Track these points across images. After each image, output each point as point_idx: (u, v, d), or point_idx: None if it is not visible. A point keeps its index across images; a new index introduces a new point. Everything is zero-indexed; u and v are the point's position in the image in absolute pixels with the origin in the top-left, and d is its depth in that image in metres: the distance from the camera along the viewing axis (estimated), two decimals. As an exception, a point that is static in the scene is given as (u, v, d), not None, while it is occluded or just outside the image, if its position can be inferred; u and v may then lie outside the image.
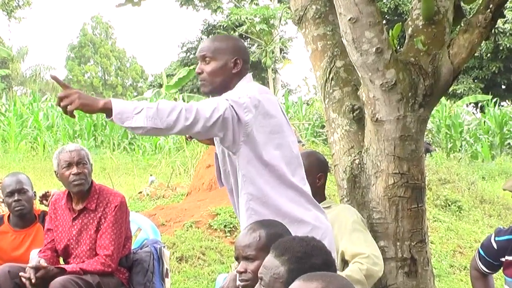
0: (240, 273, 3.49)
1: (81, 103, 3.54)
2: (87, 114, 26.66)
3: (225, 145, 3.88)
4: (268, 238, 3.42)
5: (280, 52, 42.41)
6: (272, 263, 2.96)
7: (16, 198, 5.75)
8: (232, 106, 3.72)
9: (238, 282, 3.54)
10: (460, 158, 20.84)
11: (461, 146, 26.13)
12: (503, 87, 35.88)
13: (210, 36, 4.61)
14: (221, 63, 4.03)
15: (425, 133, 6.50)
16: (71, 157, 5.31)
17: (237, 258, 3.55)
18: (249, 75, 4.11)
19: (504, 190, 4.72)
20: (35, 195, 5.99)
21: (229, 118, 3.71)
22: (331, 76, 5.50)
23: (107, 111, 3.55)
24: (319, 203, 4.31)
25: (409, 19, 5.18)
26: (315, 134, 26.12)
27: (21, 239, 5.87)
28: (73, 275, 5.08)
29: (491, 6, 4.90)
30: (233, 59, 4.04)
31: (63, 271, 5.09)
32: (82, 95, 3.56)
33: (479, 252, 4.88)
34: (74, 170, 5.27)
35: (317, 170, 4.97)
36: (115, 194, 5.47)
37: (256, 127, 3.86)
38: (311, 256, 2.93)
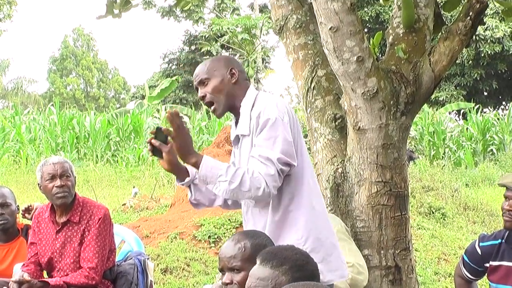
0: (226, 284, 3.46)
1: (178, 149, 3.89)
2: (69, 127, 26.83)
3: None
4: (253, 249, 3.40)
5: (262, 62, 42.44)
6: (270, 274, 2.88)
7: (-1, 212, 5.73)
8: (280, 168, 3.79)
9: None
10: (444, 165, 20.91)
11: (444, 153, 26.18)
12: (485, 93, 36.01)
13: (200, 64, 4.62)
14: (219, 79, 4.05)
15: (408, 140, 6.51)
16: (54, 169, 5.28)
17: (221, 270, 3.53)
18: (252, 87, 4.12)
19: (500, 186, 4.69)
20: (18, 208, 5.95)
21: (285, 170, 3.83)
22: (312, 85, 5.51)
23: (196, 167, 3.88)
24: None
25: (389, 27, 5.21)
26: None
27: (4, 253, 5.83)
28: (56, 289, 5.05)
29: (471, 13, 4.93)
30: (228, 71, 4.06)
31: (46, 285, 5.06)
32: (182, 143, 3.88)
33: (463, 259, 4.89)
34: (58, 182, 5.24)
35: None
36: (99, 206, 5.45)
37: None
38: (308, 263, 2.94)
